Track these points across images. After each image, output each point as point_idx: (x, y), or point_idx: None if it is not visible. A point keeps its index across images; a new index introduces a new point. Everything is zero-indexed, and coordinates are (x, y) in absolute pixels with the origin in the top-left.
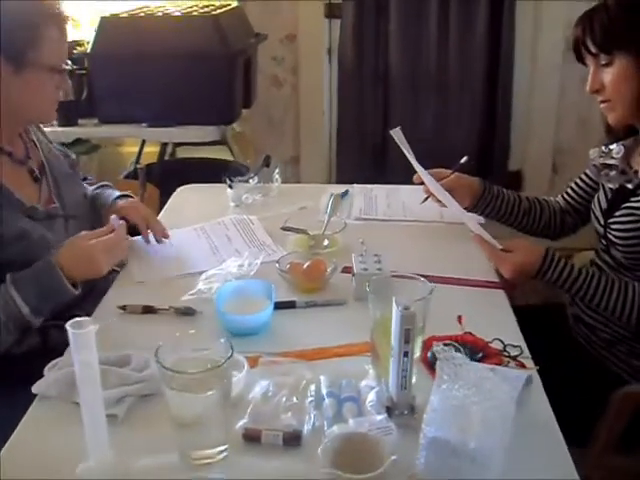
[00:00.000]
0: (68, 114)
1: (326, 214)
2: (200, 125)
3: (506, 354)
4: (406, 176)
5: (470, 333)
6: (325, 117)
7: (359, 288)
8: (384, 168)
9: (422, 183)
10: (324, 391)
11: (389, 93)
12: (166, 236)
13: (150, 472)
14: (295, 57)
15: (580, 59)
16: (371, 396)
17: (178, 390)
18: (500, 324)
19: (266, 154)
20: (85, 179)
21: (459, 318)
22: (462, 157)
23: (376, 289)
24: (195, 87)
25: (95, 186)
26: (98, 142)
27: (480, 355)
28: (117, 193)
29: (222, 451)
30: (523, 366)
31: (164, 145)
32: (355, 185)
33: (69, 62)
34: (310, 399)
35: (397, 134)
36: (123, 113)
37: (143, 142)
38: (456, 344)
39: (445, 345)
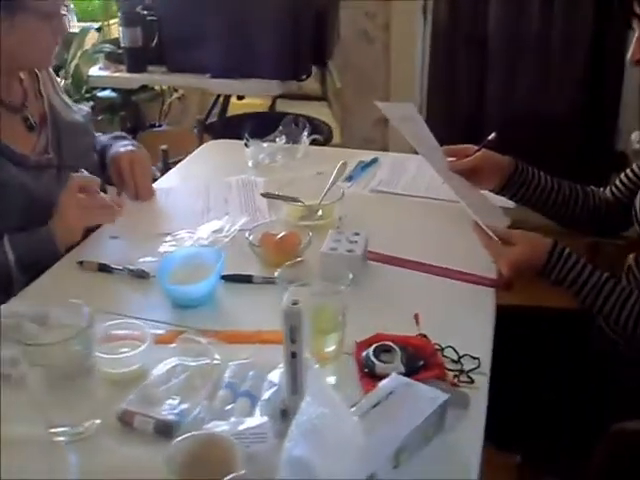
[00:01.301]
0: (137, 60)
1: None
2: (263, 79)
3: (452, 369)
4: None
5: (424, 336)
6: (416, 79)
7: (324, 268)
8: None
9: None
10: (225, 381)
11: (485, 58)
12: (143, 197)
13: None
14: (387, 14)
15: (628, 24)
16: (267, 395)
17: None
18: (470, 329)
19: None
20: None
21: (416, 317)
22: (556, 130)
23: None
24: (260, 39)
25: (109, 136)
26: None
27: (420, 364)
28: (126, 143)
29: (79, 432)
30: (471, 382)
31: (227, 98)
32: (391, 153)
33: (68, 6)
34: (208, 387)
35: (387, 109)
36: (190, 62)
37: (219, 95)
38: (395, 347)
39: (380, 348)
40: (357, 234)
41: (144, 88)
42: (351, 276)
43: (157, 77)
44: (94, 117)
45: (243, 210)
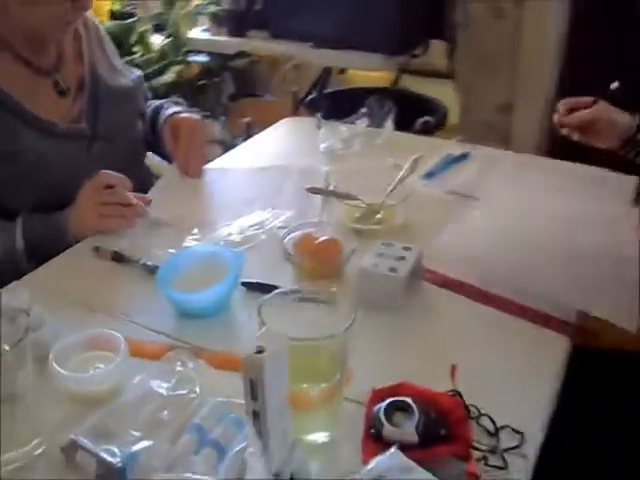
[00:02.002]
0: (238, 24)
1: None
2: (367, 52)
3: (484, 445)
4: None
5: (457, 394)
6: (548, 63)
7: (362, 289)
8: None
9: None
10: (194, 422)
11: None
12: (193, 175)
13: None
14: None
15: None
16: (235, 450)
17: None
18: (522, 388)
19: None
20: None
21: (452, 369)
22: None
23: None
24: (368, 9)
25: (166, 100)
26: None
27: (440, 433)
28: (186, 109)
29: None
30: (503, 466)
31: (327, 70)
32: (487, 148)
33: None
34: (175, 426)
35: None
36: (293, 29)
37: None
38: (414, 406)
39: (396, 404)
40: (408, 248)
41: (242, 54)
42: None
43: (257, 43)
44: (186, 80)
45: (293, 203)
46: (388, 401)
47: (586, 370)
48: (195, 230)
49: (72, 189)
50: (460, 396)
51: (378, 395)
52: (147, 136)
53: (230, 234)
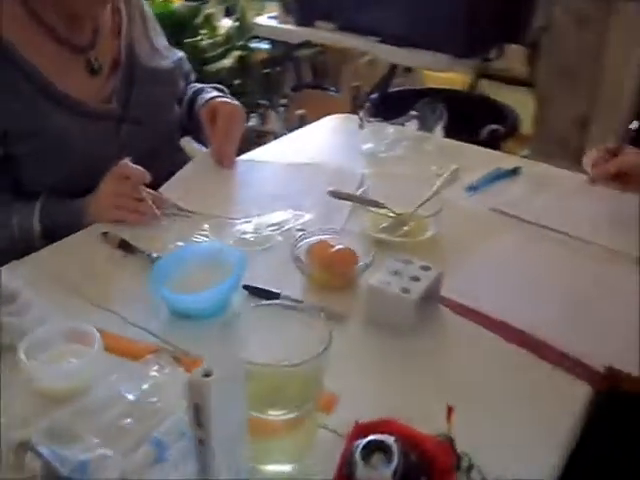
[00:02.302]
0: (306, 13)
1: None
2: (434, 52)
3: None
4: None
5: (448, 439)
6: (631, 77)
7: (369, 306)
8: None
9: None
10: (154, 435)
11: None
12: (226, 162)
13: None
14: None
15: None
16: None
17: None
18: (530, 439)
19: (431, 96)
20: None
21: (449, 411)
22: None
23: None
24: (439, 7)
25: (203, 85)
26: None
27: None
28: (219, 94)
29: None
30: None
31: (393, 68)
32: (543, 165)
33: None
34: (136, 436)
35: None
36: (362, 22)
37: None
38: (395, 448)
39: (376, 444)
40: (427, 268)
41: (307, 44)
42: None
43: (323, 34)
44: (248, 67)
45: (318, 206)
46: (367, 439)
47: (605, 415)
48: (206, 225)
49: (96, 171)
50: (451, 442)
51: (360, 429)
52: (183, 119)
53: (245, 232)
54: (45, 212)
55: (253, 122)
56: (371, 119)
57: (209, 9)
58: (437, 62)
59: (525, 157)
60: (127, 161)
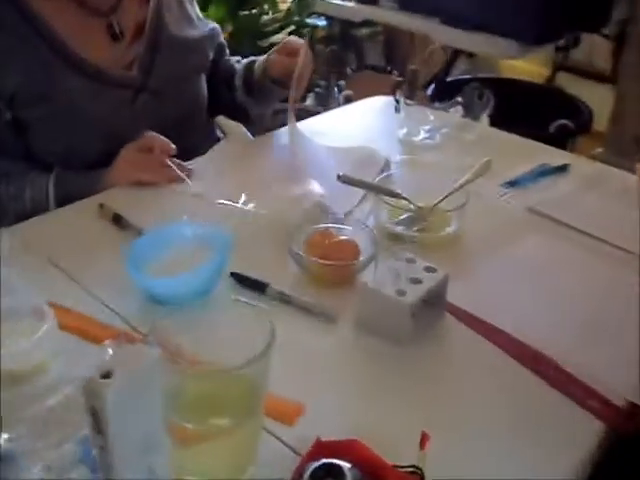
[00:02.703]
0: None
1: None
2: (498, 36)
3: None
4: None
5: (416, 470)
6: None
7: (361, 308)
8: None
9: None
10: (85, 431)
11: None
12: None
13: None
14: None
15: None
16: None
17: None
18: (519, 475)
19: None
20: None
21: (423, 438)
22: None
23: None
24: None
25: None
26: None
27: None
28: None
29: None
30: None
31: (455, 53)
32: (597, 164)
33: None
34: (66, 431)
35: None
36: (422, 1)
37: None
38: (350, 475)
39: (330, 468)
40: (432, 270)
41: (366, 23)
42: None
43: (384, 13)
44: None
45: (330, 190)
46: (321, 462)
47: (622, 459)
48: (219, 204)
49: (109, 141)
50: (421, 475)
51: (319, 448)
52: (228, 92)
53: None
54: (59, 184)
55: (309, 102)
56: (409, 102)
57: None
58: (503, 48)
59: (595, 156)
60: (152, 133)
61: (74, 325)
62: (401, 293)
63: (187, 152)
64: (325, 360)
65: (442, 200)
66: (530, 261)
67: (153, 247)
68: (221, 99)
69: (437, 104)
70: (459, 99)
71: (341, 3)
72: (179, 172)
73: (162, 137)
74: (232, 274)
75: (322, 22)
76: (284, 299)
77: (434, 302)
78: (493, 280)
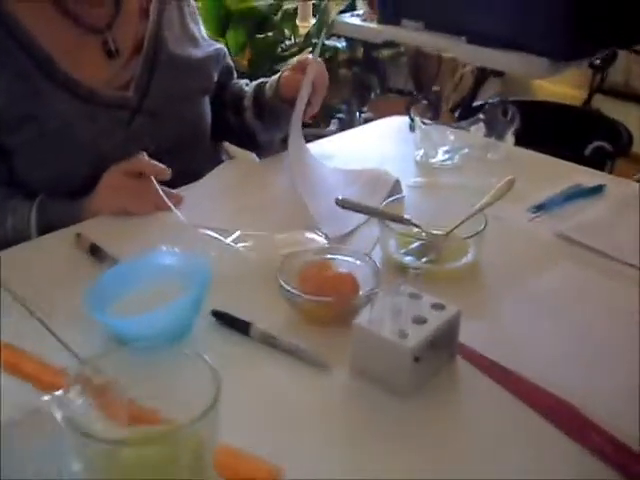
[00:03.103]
0: (391, 10)
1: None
2: (530, 54)
3: None
4: None
5: None
6: None
7: (356, 354)
8: None
9: None
10: None
11: None
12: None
13: None
14: None
15: None
16: None
17: None
18: None
19: (502, 96)
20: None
21: None
22: None
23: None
24: (531, 2)
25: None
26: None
27: None
28: None
29: None
30: None
31: (481, 71)
32: (634, 184)
33: None
34: None
35: None
36: (450, 20)
37: (484, 73)
38: None
39: None
40: (439, 307)
41: (389, 44)
42: None
43: (407, 33)
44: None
45: (330, 216)
46: None
47: None
48: (207, 235)
49: (100, 166)
50: None
51: None
52: (236, 116)
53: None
54: (42, 213)
55: (331, 127)
56: (427, 121)
57: (287, 5)
58: (534, 67)
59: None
60: (142, 155)
61: (21, 369)
62: (402, 335)
63: (188, 177)
64: (313, 414)
65: (458, 226)
66: (558, 295)
67: (122, 281)
68: (228, 124)
69: (457, 124)
70: (481, 116)
71: (362, 24)
72: (166, 200)
73: (153, 161)
74: (213, 312)
75: (342, 44)
76: (270, 341)
77: (442, 344)
78: (515, 318)
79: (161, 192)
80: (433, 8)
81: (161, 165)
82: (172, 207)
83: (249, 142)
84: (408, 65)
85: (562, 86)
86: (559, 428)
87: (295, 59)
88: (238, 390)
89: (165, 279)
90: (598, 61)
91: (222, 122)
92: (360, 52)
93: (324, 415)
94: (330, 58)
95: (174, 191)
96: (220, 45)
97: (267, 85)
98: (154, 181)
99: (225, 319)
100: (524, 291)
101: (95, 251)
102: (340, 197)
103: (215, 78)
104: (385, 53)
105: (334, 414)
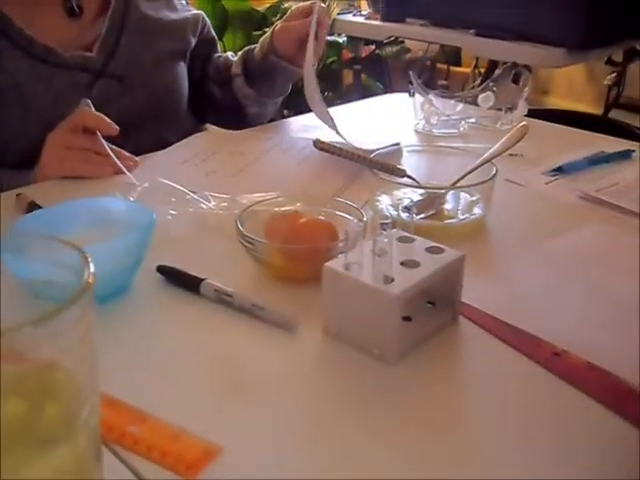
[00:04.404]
0: (396, 8)
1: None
2: (543, 44)
3: None
4: None
5: None
6: None
7: (330, 308)
8: None
9: None
10: None
11: None
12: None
13: None
14: None
15: None
16: None
17: None
18: None
19: (514, 63)
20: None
21: None
22: None
23: None
24: None
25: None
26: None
27: None
28: None
29: None
30: None
31: (492, 65)
32: None
33: None
34: None
35: None
36: (454, 15)
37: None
38: None
39: None
40: (438, 250)
41: (392, 42)
42: None
43: (412, 29)
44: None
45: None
46: None
47: None
48: (172, 199)
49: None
50: None
51: None
52: (222, 89)
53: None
54: None
55: None
56: (428, 89)
57: (286, 5)
58: (548, 57)
59: None
60: (87, 107)
61: None
62: (387, 280)
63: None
64: (275, 383)
65: (463, 177)
66: (581, 255)
67: (46, 227)
68: (213, 98)
69: (463, 93)
70: (490, 84)
71: (366, 22)
72: (117, 161)
73: (97, 114)
74: (159, 268)
75: (342, 38)
76: (224, 299)
77: (440, 298)
78: (531, 278)
79: (110, 151)
80: (439, 4)
81: (107, 119)
82: (123, 169)
83: (237, 117)
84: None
85: (577, 102)
86: (588, 394)
87: (289, 10)
88: (184, 356)
89: (100, 225)
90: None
91: (206, 97)
92: (364, 51)
93: (289, 385)
94: (331, 62)
95: (132, 156)
96: (199, 12)
97: (256, 49)
98: (101, 138)
99: (172, 275)
100: (541, 252)
101: (33, 209)
102: (315, 138)
103: (192, 43)
104: (389, 50)
105: (301, 384)
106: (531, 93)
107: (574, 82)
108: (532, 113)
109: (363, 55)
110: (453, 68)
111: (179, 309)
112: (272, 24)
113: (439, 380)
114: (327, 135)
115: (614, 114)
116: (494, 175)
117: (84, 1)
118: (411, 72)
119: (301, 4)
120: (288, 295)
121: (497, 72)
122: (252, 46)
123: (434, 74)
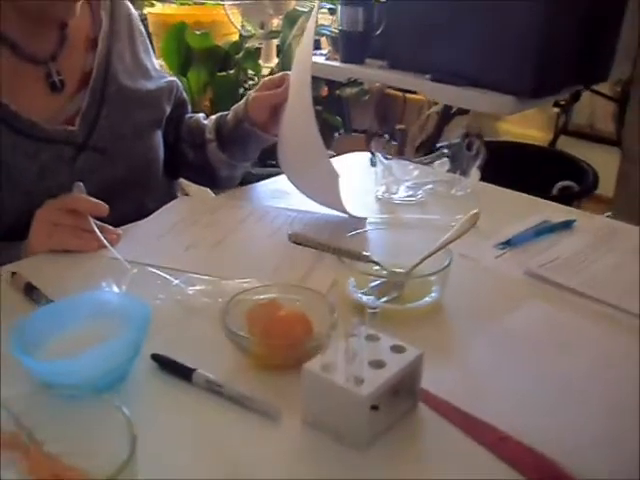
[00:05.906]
0: (354, 48)
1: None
2: (496, 92)
3: None
4: None
5: None
6: None
7: (307, 402)
8: None
9: None
10: None
11: None
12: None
13: None
14: None
15: None
16: None
17: None
18: None
19: (469, 128)
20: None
21: None
22: None
23: None
24: (502, 41)
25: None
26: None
27: None
28: None
29: None
30: None
31: (446, 110)
32: (616, 223)
33: None
34: None
35: None
36: (415, 59)
37: (449, 114)
38: None
39: None
40: (400, 349)
41: (352, 83)
42: None
43: (372, 72)
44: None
45: (283, 255)
46: None
47: None
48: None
49: (40, 206)
50: None
51: None
52: (194, 150)
53: (181, 292)
54: None
55: None
56: (388, 156)
57: (250, 44)
58: (500, 104)
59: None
60: (80, 194)
61: None
62: (357, 381)
63: (141, 216)
64: (261, 468)
65: (420, 263)
66: (528, 336)
67: (54, 321)
68: (186, 159)
69: (420, 159)
70: (445, 151)
71: (326, 62)
72: (102, 237)
73: (90, 198)
74: (153, 356)
75: None
76: (214, 389)
77: (403, 391)
78: (482, 361)
79: (95, 229)
80: (397, 47)
81: (96, 201)
82: (108, 245)
83: (208, 178)
84: (373, 105)
85: (527, 128)
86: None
87: (261, 81)
88: (178, 442)
89: (101, 320)
90: (563, 102)
91: (179, 158)
92: (323, 91)
93: (273, 470)
94: None
95: (115, 229)
96: (173, 77)
97: (229, 116)
98: (90, 218)
99: (166, 364)
100: (491, 332)
101: (30, 291)
102: (290, 232)
103: (167, 111)
104: (349, 91)
105: (284, 469)
106: (484, 119)
107: None
108: (489, 145)
109: (323, 95)
110: (408, 95)
111: (172, 396)
112: (235, 62)
113: (404, 461)
114: (293, 204)
115: (562, 141)
116: (449, 263)
117: (66, 75)
118: (372, 145)
119: (274, 76)
120: (270, 381)
121: (453, 141)
122: (224, 113)
123: (391, 102)
